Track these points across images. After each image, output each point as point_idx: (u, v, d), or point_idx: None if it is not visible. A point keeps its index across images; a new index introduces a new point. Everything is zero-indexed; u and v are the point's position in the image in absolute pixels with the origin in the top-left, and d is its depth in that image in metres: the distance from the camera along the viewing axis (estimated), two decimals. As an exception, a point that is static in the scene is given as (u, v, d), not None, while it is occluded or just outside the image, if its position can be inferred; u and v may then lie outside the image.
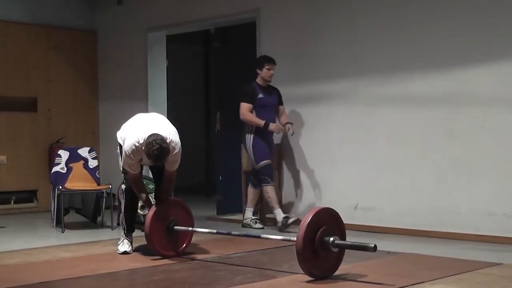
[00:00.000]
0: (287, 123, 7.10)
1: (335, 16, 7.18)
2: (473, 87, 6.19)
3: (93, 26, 9.72)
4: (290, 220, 6.73)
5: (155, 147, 5.00)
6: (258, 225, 7.08)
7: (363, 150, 6.91)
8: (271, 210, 7.05)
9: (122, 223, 5.70)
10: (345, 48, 7.07)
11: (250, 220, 7.12)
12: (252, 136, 7.03)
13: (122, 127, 5.58)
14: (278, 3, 7.68)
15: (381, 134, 6.81)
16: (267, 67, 7.02)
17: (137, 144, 5.16)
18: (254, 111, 7.00)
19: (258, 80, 7.08)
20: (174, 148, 5.23)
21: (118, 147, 5.57)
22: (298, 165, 7.44)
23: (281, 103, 7.23)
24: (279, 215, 6.86)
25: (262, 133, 7.02)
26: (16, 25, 8.96)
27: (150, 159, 5.09)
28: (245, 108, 7.00)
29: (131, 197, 5.57)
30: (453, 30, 6.31)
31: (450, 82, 6.33)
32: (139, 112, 5.80)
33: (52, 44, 9.28)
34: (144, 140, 5.09)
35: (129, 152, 5.19)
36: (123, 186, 5.57)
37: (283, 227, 6.74)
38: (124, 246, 5.53)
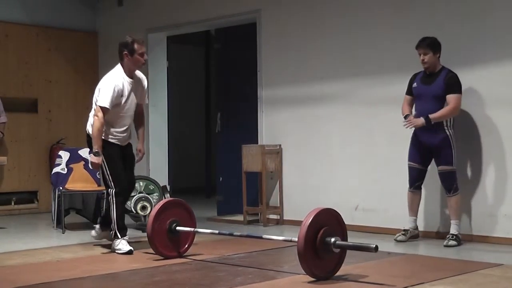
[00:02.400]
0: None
1: (335, 17, 7.18)
2: (474, 88, 6.18)
3: (94, 27, 9.72)
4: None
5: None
6: (453, 242, 5.85)
7: (364, 151, 6.91)
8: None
9: (113, 227, 5.55)
10: (346, 48, 7.06)
11: (454, 238, 5.89)
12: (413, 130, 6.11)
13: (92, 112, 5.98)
14: (278, 4, 7.68)
15: (382, 134, 6.80)
16: (418, 51, 6.00)
17: (116, 73, 5.93)
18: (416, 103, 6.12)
19: None
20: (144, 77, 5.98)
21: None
22: (299, 166, 7.44)
23: (448, 91, 5.90)
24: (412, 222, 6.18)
25: (421, 129, 5.99)
26: (17, 26, 8.96)
27: (139, 42, 5.94)
28: (403, 101, 6.17)
29: (123, 199, 5.62)
30: (454, 31, 6.31)
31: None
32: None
33: (52, 45, 9.27)
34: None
35: (112, 82, 5.84)
36: (112, 191, 5.53)
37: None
38: (126, 245, 5.52)
